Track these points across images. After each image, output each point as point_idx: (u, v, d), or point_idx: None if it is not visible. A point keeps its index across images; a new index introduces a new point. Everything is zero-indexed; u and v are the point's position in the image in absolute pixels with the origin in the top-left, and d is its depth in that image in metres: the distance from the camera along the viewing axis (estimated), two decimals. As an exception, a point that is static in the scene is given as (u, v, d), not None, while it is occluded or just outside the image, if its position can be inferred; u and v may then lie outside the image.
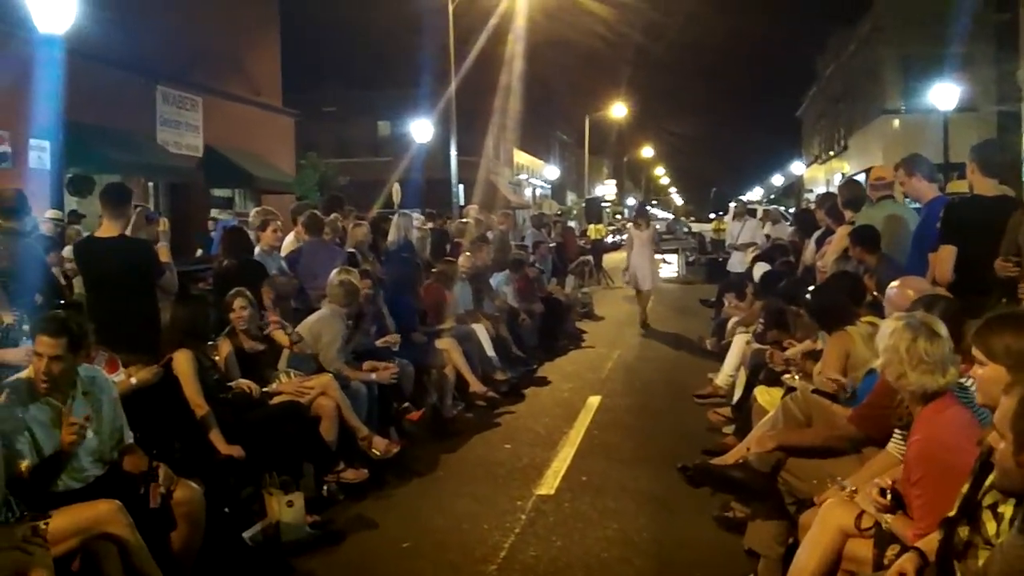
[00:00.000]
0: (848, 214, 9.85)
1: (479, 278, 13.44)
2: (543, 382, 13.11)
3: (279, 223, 10.29)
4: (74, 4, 12.12)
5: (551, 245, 22.53)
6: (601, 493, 8.00)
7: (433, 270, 12.62)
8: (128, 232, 8.05)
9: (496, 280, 14.54)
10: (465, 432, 10.12)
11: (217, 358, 7.55)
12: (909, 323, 4.29)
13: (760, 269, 12.19)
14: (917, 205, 8.80)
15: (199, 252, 19.80)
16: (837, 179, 47.29)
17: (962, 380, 4.42)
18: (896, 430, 4.91)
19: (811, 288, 7.26)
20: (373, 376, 8.72)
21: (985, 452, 3.21)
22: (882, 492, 4.29)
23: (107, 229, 7.71)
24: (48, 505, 4.78)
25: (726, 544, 6.59)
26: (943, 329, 4.29)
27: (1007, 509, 3.31)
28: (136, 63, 22.55)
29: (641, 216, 21.51)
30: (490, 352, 12.12)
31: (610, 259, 35.90)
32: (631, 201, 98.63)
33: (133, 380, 6.31)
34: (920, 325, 4.27)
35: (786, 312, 9.36)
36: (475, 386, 11.04)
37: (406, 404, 9.65)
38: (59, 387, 5.27)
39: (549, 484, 8.27)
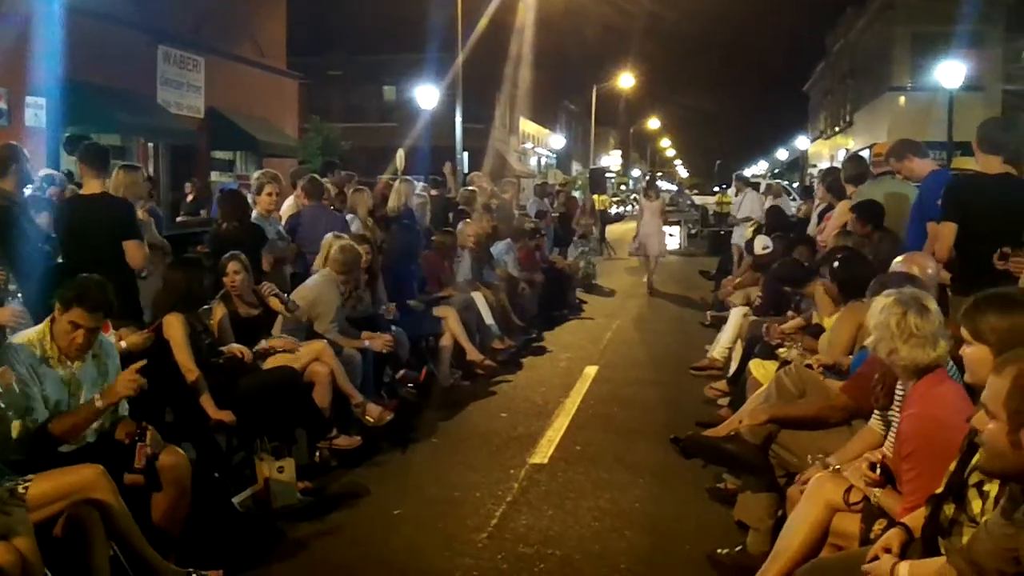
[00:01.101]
0: (850, 189, 9.82)
1: (480, 247, 13.39)
2: (542, 352, 13.12)
3: (274, 187, 10.17)
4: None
5: (555, 215, 22.57)
6: (595, 463, 8.00)
7: (432, 239, 12.57)
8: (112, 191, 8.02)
9: (497, 249, 14.50)
10: (461, 401, 10.10)
11: (211, 322, 7.52)
12: (899, 298, 4.28)
13: (760, 242, 12.15)
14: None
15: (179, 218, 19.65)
16: (841, 155, 47.10)
17: None
18: (876, 411, 4.92)
19: (839, 257, 7.23)
20: (367, 344, 8.69)
21: (973, 430, 3.18)
22: (872, 467, 4.31)
23: (89, 187, 7.72)
24: (29, 469, 4.74)
25: (719, 516, 6.59)
26: (933, 304, 4.31)
27: (992, 488, 3.30)
28: (138, 21, 22.42)
29: (652, 187, 23.80)
30: (489, 321, 12.10)
31: (613, 230, 35.89)
32: (636, 172, 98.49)
33: (123, 343, 6.27)
34: (910, 299, 4.26)
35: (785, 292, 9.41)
36: (473, 355, 11.01)
37: (402, 372, 9.63)
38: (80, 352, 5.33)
39: (543, 453, 8.26)
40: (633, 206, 58.15)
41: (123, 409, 5.61)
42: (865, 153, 24.35)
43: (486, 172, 25.18)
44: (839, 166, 12.97)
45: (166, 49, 24.12)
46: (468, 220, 13.48)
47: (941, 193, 7.31)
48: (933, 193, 7.60)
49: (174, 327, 6.75)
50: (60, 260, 7.53)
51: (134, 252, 7.58)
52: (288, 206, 11.34)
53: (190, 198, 21.05)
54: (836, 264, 6.99)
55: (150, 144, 24.04)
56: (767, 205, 19.65)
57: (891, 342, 4.21)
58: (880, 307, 4.30)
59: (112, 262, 7.28)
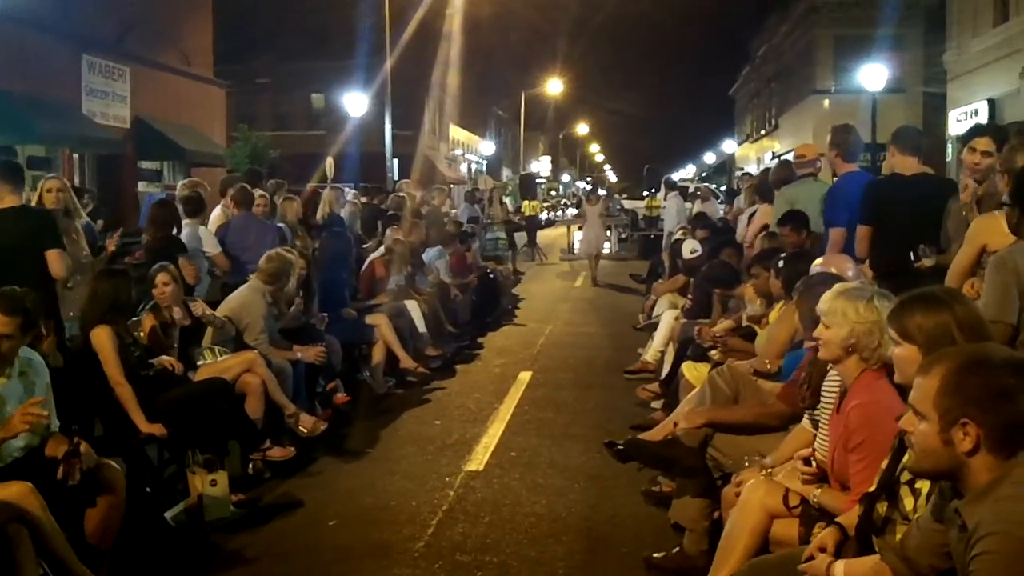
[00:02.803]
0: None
1: (412, 254, 13.35)
2: (475, 358, 13.13)
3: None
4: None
5: (487, 221, 22.67)
6: (530, 469, 8.00)
7: (386, 246, 12.47)
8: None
9: (429, 255, 14.49)
10: (396, 408, 10.06)
11: (140, 334, 7.41)
12: (878, 294, 4.32)
13: (689, 247, 12.26)
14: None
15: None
16: (767, 158, 47.83)
17: None
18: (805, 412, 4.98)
19: (784, 255, 7.33)
20: (299, 356, 8.62)
21: (902, 431, 3.23)
22: (806, 461, 4.39)
23: (8, 201, 7.57)
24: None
25: (654, 518, 6.65)
26: None
27: (924, 485, 3.35)
28: (61, 29, 22.00)
29: (594, 193, 30.39)
30: (422, 328, 12.07)
31: (544, 235, 35.96)
32: (566, 177, 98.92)
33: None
34: (882, 295, 4.32)
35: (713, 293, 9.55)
36: (406, 362, 10.96)
37: (334, 383, 9.57)
38: None
39: (479, 460, 8.25)
40: (563, 212, 58.59)
41: (54, 425, 5.49)
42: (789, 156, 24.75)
43: (415, 179, 25.27)
44: (769, 168, 13.21)
45: (90, 58, 23.68)
46: (395, 227, 13.40)
47: (839, 196, 7.61)
48: (835, 196, 7.86)
49: (102, 339, 6.64)
50: None
51: (55, 261, 7.48)
52: (216, 216, 11.24)
53: (89, 208, 20.69)
54: (781, 263, 7.08)
55: (76, 155, 23.64)
56: (695, 209, 19.99)
57: (879, 336, 4.24)
58: (863, 306, 4.30)
59: (29, 273, 7.17)
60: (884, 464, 3.60)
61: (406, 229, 13.35)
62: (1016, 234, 4.82)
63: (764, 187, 10.98)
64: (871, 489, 3.61)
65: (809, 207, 8.79)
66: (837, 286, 4.49)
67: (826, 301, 4.39)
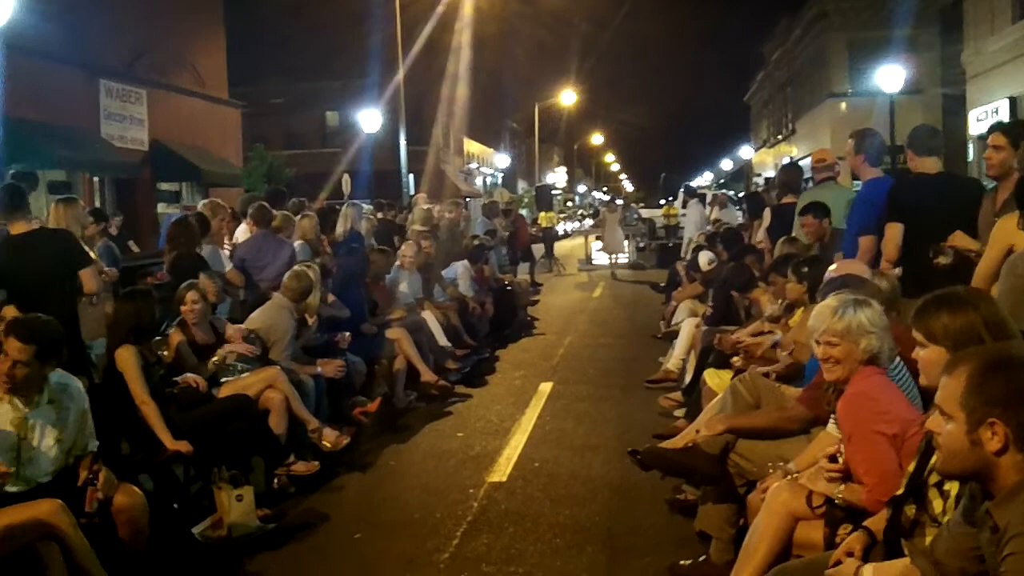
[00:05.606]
0: (790, 198, 10.05)
1: (429, 268, 13.35)
2: (495, 370, 13.09)
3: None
4: (11, -2, 11.94)
5: (504, 235, 22.66)
6: (553, 480, 7.99)
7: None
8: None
9: (451, 270, 14.50)
10: (417, 422, 10.07)
11: (166, 351, 7.46)
12: (873, 299, 4.38)
13: (705, 258, 12.24)
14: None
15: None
16: (785, 163, 47.70)
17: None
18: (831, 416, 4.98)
19: (805, 260, 7.32)
20: (319, 371, 8.65)
21: (929, 432, 3.21)
22: (831, 459, 4.35)
23: (21, 227, 7.54)
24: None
25: (678, 527, 6.61)
26: None
27: (952, 487, 3.32)
28: (78, 57, 22.20)
29: (612, 201, 36.65)
30: (442, 341, 12.07)
31: (561, 247, 35.95)
32: (582, 188, 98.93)
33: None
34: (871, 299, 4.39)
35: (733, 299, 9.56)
36: (426, 376, 10.96)
37: (356, 398, 9.58)
38: (21, 391, 5.19)
39: (501, 472, 8.24)
40: (581, 223, 58.93)
41: (92, 446, 5.52)
42: (807, 161, 24.69)
43: (429, 192, 25.36)
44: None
45: (107, 83, 23.87)
46: (410, 242, 13.38)
47: (867, 204, 7.57)
48: (863, 204, 7.80)
49: (125, 359, 6.69)
50: None
51: (89, 279, 7.57)
52: (241, 233, 11.36)
53: (116, 231, 20.76)
54: (805, 268, 7.07)
55: (95, 178, 23.80)
56: (712, 215, 20.00)
57: (890, 339, 4.35)
58: (872, 313, 4.39)
59: (59, 294, 7.26)
60: (911, 467, 3.58)
61: (418, 242, 13.30)
62: None
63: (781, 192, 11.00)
64: (899, 492, 3.59)
65: (832, 209, 8.76)
66: (829, 303, 4.49)
67: (836, 320, 4.38)
